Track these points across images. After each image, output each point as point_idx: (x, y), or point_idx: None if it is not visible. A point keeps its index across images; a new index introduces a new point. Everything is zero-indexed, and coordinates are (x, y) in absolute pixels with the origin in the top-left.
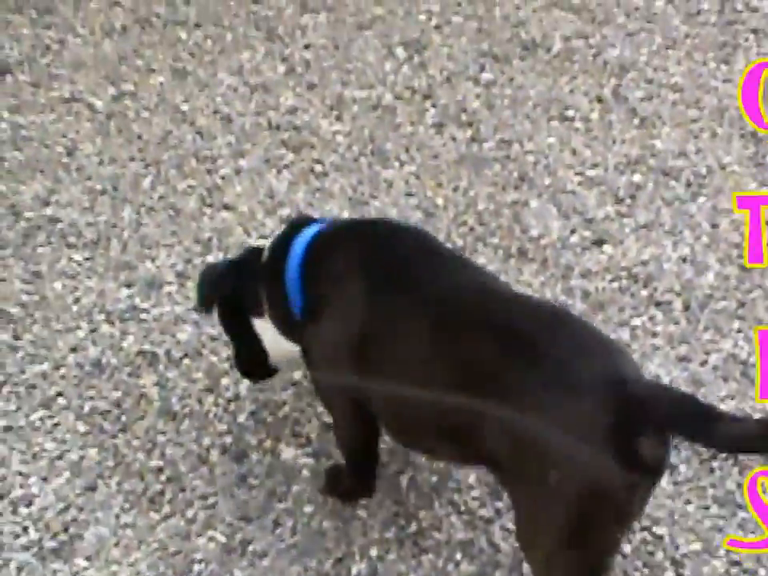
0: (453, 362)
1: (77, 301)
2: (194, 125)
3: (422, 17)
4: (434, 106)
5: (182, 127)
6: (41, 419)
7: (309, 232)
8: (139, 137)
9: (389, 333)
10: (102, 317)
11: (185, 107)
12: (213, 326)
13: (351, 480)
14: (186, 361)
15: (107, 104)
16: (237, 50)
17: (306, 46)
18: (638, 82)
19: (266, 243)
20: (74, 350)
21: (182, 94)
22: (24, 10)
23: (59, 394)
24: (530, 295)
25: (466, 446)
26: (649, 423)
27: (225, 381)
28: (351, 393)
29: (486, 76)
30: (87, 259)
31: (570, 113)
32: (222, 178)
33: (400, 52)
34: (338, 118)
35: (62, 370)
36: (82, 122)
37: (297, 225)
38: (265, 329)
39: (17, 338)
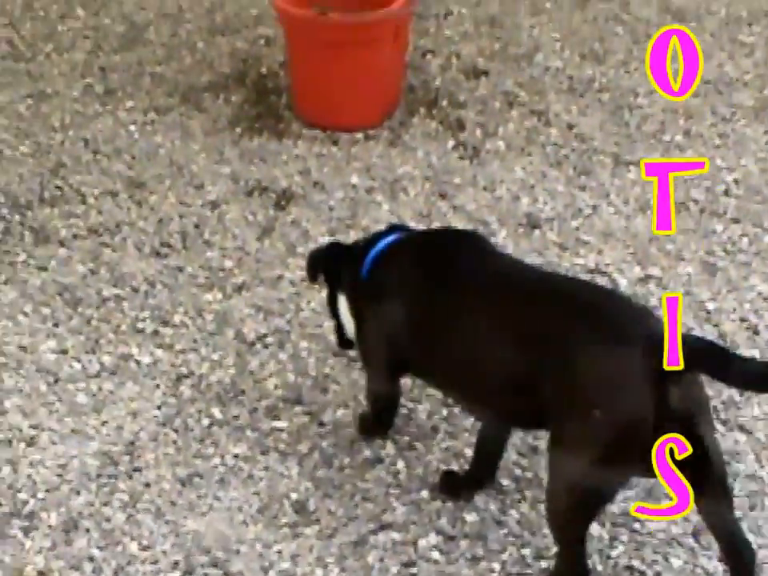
0: (520, 326)
1: None
2: (718, 327)
3: None
4: None
5: (704, 326)
6: None
7: (393, 236)
8: None
9: (455, 309)
10: None
11: (710, 305)
12: (708, 557)
13: (374, 422)
14: None
15: (631, 284)
16: None
17: None
18: None
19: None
20: None
21: (709, 290)
22: (563, 166)
23: None
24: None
25: (522, 400)
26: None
27: None
28: (398, 357)
29: None
30: None
31: None
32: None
33: None
34: None
35: (542, 563)
36: None
37: (391, 228)
38: (342, 302)
39: (504, 512)
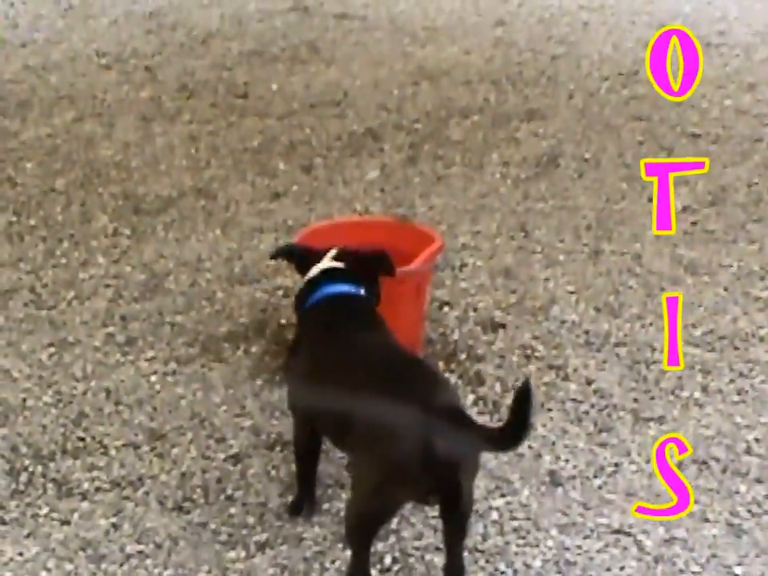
0: (348, 383)
1: None
2: None
3: None
4: None
5: None
6: None
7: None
8: None
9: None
10: None
11: (738, 570)
12: None
13: (298, 489)
14: None
15: (656, 545)
16: None
17: None
18: None
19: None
20: None
21: (735, 553)
22: (583, 422)
23: None
24: (404, 352)
25: (345, 435)
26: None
27: None
28: (305, 410)
29: None
30: None
31: None
32: None
33: None
34: None
35: None
36: (628, 558)
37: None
38: None
39: None
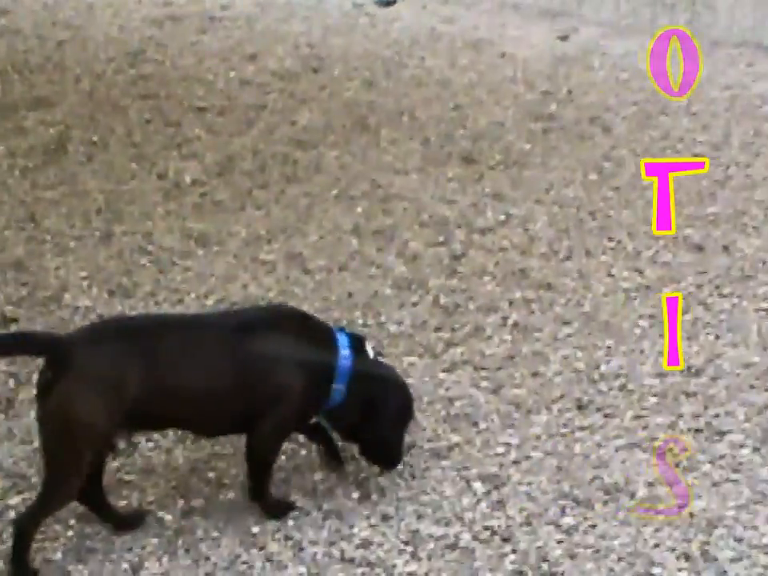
0: None
1: None
2: (264, 549)
3: (500, 449)
4: (513, 551)
5: (251, 552)
6: None
7: None
8: (207, 558)
9: None
10: None
11: (255, 529)
12: None
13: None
14: None
15: (176, 519)
16: (311, 469)
17: None
18: (727, 539)
19: None
20: None
21: (252, 515)
22: None
23: None
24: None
25: None
26: None
27: None
28: None
29: (567, 521)
30: None
31: (657, 570)
32: None
33: (478, 486)
34: (414, 556)
35: None
36: (149, 536)
37: None
38: None
39: None
